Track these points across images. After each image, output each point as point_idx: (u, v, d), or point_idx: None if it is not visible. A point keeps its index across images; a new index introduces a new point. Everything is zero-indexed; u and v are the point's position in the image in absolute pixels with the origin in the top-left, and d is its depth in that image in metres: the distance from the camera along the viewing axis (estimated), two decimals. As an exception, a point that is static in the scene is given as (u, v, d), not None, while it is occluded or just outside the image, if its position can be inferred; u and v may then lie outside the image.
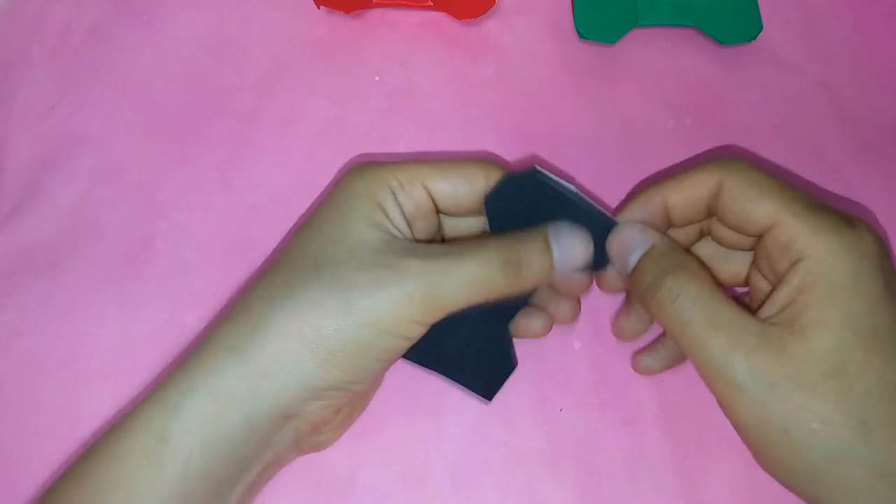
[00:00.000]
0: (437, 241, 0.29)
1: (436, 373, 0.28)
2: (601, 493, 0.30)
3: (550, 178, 0.26)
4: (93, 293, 0.33)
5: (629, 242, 0.25)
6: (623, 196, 0.34)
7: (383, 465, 0.30)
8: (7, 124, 0.37)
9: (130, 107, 0.37)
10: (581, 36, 0.38)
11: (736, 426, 0.23)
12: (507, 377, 0.28)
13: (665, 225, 0.27)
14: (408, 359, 0.27)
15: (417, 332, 0.24)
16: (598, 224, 0.26)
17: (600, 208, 0.26)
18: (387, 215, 0.25)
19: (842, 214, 0.23)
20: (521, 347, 0.32)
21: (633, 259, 0.25)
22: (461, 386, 0.29)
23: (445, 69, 0.38)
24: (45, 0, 0.40)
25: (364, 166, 0.26)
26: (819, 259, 0.22)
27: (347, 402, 0.26)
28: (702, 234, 0.28)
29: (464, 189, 0.26)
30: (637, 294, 0.25)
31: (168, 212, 0.35)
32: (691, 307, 0.23)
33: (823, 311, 0.21)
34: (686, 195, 0.26)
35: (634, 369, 0.30)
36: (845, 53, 0.39)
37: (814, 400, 0.21)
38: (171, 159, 0.36)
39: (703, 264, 0.25)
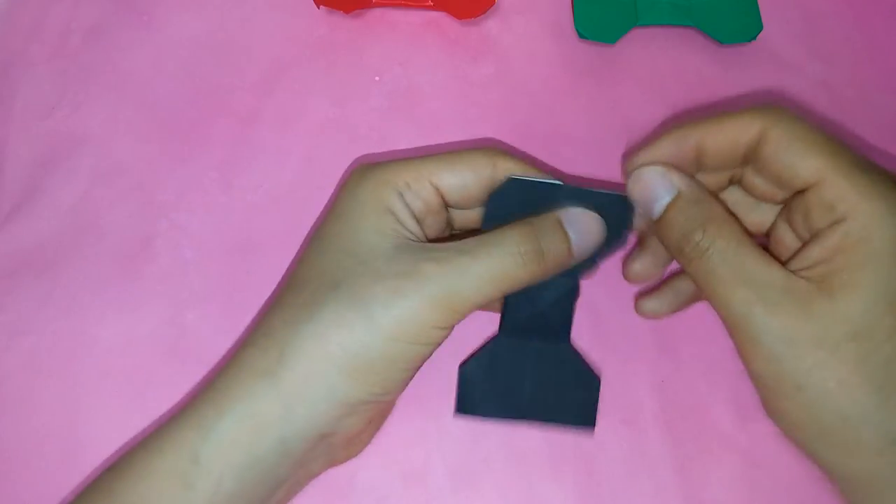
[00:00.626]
0: (448, 236, 0.28)
1: (527, 422, 0.27)
2: (601, 493, 0.30)
3: (549, 180, 0.26)
4: (93, 293, 0.33)
5: (652, 188, 0.25)
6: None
7: (383, 466, 0.30)
8: (7, 124, 0.37)
9: (130, 107, 0.37)
10: (581, 36, 0.38)
11: (751, 375, 0.23)
12: (597, 395, 0.27)
13: (695, 167, 0.26)
14: (493, 417, 0.27)
15: (441, 336, 0.24)
16: (606, 205, 0.26)
17: (602, 190, 0.26)
18: (397, 219, 0.24)
19: (891, 177, 0.22)
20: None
21: (659, 207, 0.24)
22: (559, 425, 0.27)
23: (445, 69, 0.38)
24: (45, 0, 0.40)
25: (367, 170, 0.25)
26: (862, 223, 0.21)
27: (379, 412, 0.26)
28: (731, 182, 0.27)
29: (472, 181, 0.25)
30: (665, 242, 0.25)
31: (168, 212, 0.35)
32: (720, 261, 0.22)
33: (857, 274, 0.21)
34: (724, 139, 0.24)
35: (638, 312, 0.29)
36: (845, 53, 0.39)
37: (833, 360, 0.21)
38: (171, 159, 0.36)
39: (730, 212, 0.25)
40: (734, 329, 0.23)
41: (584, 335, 0.32)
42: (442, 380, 0.32)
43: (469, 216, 0.28)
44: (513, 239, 0.24)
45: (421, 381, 0.31)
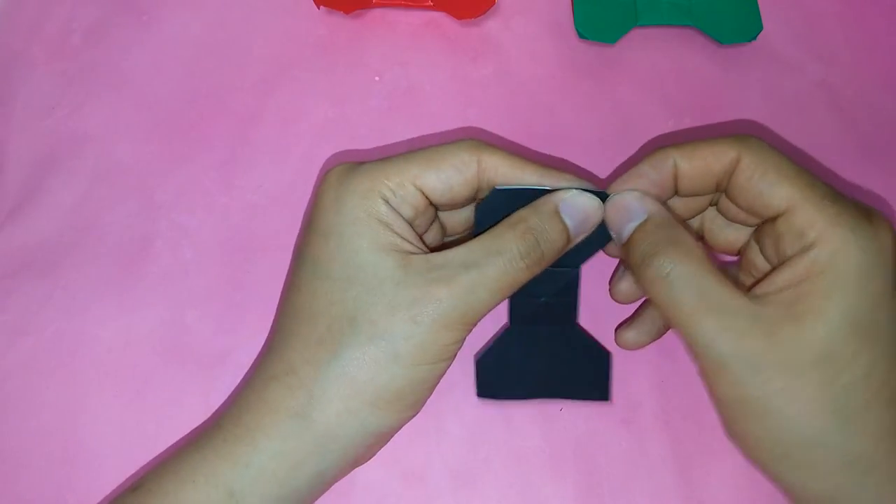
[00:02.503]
0: (438, 236, 0.28)
1: (544, 398, 0.29)
2: (601, 493, 0.30)
3: (536, 187, 0.26)
4: (93, 293, 0.33)
5: (625, 211, 0.25)
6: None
7: (383, 465, 0.30)
8: (7, 124, 0.37)
9: (130, 107, 0.37)
10: (581, 36, 0.38)
11: (714, 400, 0.24)
12: (609, 367, 0.29)
13: (671, 191, 0.26)
14: (507, 398, 0.29)
15: (458, 348, 0.24)
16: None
17: (590, 187, 0.26)
18: (391, 230, 0.24)
19: (861, 207, 0.23)
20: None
21: (629, 230, 0.25)
22: (575, 399, 0.30)
23: (445, 69, 0.38)
24: (45, 0, 0.40)
25: (346, 178, 0.24)
26: (830, 250, 0.22)
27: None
28: (710, 204, 0.27)
29: (457, 181, 0.25)
30: (629, 266, 0.25)
31: (168, 212, 0.35)
32: (682, 286, 0.22)
33: (823, 301, 0.21)
34: (699, 165, 0.25)
35: (619, 345, 0.29)
36: (845, 53, 0.39)
37: (796, 385, 0.21)
38: (171, 159, 0.36)
39: (698, 240, 0.25)
40: (699, 355, 0.23)
41: (584, 335, 0.32)
42: (442, 381, 0.32)
43: (459, 216, 0.28)
44: (511, 244, 0.24)
45: (421, 381, 0.31)
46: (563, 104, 0.37)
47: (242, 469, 0.22)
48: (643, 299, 0.30)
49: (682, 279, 0.23)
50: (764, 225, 0.25)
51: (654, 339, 0.29)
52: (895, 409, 0.22)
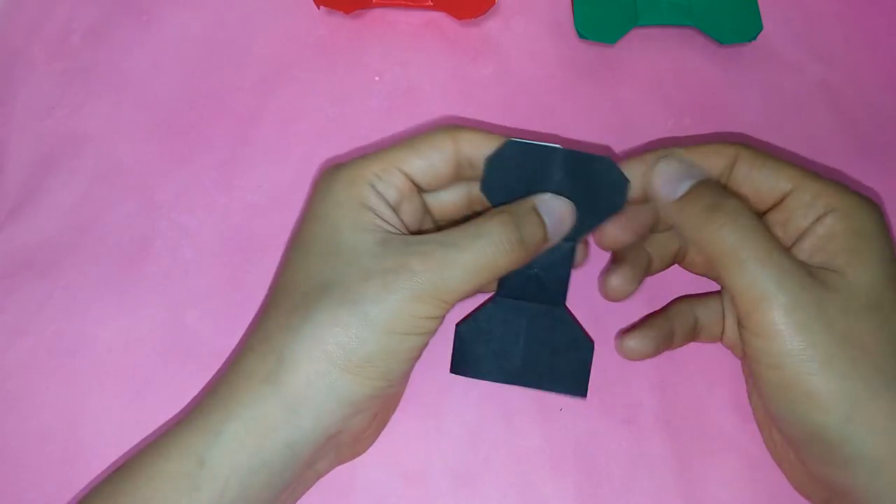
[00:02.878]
0: (429, 225, 0.29)
1: (519, 386, 0.28)
2: (601, 493, 0.30)
3: (547, 144, 0.27)
4: (93, 293, 0.33)
5: (685, 170, 0.26)
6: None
7: (383, 465, 0.30)
8: (7, 124, 0.37)
9: (130, 107, 0.37)
10: (581, 36, 0.38)
11: (769, 359, 0.23)
12: (590, 360, 0.28)
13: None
14: (485, 378, 0.28)
15: (433, 326, 0.24)
16: (602, 171, 0.27)
17: (598, 155, 0.27)
18: (374, 212, 0.25)
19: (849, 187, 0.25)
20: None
21: (686, 185, 0.26)
22: (550, 391, 0.28)
23: (445, 69, 0.38)
24: (45, 0, 0.40)
25: (336, 170, 0.26)
26: (845, 212, 0.24)
27: (383, 406, 0.26)
28: None
29: (438, 160, 0.26)
30: (690, 215, 0.25)
31: (168, 212, 0.35)
32: (750, 233, 0.23)
33: (856, 254, 0.23)
34: (702, 160, 0.26)
35: (621, 354, 0.29)
36: (845, 53, 0.39)
37: (857, 329, 0.22)
38: (171, 159, 0.36)
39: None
40: (760, 304, 0.23)
41: (584, 335, 0.32)
42: (442, 380, 0.32)
43: (447, 203, 0.28)
44: (494, 229, 0.24)
45: (421, 381, 0.31)
46: (563, 104, 0.37)
47: (212, 437, 0.22)
48: (646, 313, 0.30)
49: (752, 226, 0.24)
50: (768, 214, 0.26)
51: (658, 352, 0.29)
52: None
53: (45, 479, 0.30)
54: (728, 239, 0.24)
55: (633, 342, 0.29)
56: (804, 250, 0.24)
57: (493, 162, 0.26)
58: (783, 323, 0.22)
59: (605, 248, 0.29)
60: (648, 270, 0.29)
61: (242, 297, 0.33)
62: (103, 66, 0.38)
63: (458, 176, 0.27)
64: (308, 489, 0.27)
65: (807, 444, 0.23)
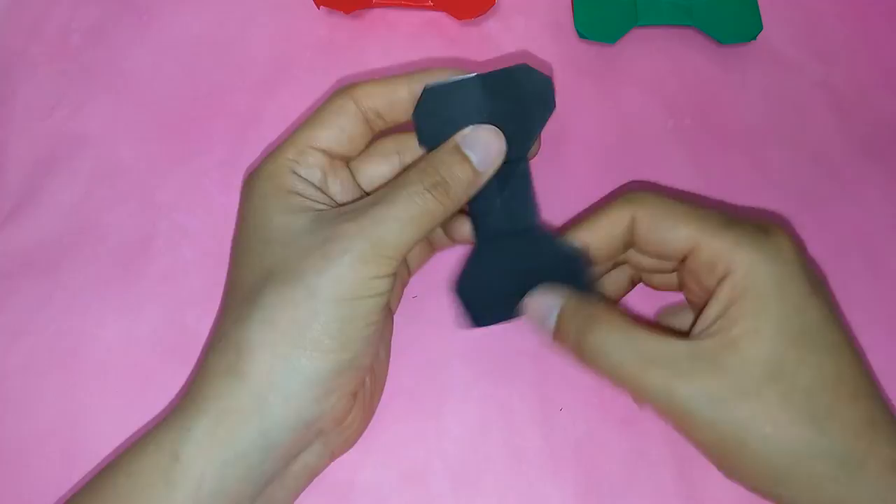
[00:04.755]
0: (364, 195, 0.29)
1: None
2: (601, 493, 0.30)
3: (462, 76, 0.26)
4: (93, 293, 0.33)
5: (540, 307, 0.26)
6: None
7: (383, 465, 0.30)
8: (7, 124, 0.37)
9: (130, 107, 0.37)
10: (581, 36, 0.38)
11: (696, 446, 0.24)
12: (588, 265, 0.27)
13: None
14: (499, 322, 0.28)
15: (384, 285, 0.24)
16: (526, 81, 0.26)
17: (519, 66, 0.26)
18: (302, 195, 0.25)
19: (756, 225, 0.24)
20: (521, 347, 0.32)
21: (551, 321, 0.26)
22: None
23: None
24: (45, 0, 0.40)
25: (255, 171, 0.26)
26: (743, 273, 0.23)
27: (359, 383, 0.26)
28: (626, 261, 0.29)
29: (346, 123, 0.26)
30: (568, 353, 0.25)
31: (168, 212, 0.35)
32: (618, 353, 0.23)
33: (752, 320, 0.22)
34: (602, 235, 0.26)
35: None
36: (845, 53, 0.39)
37: (760, 406, 0.22)
38: (171, 159, 0.36)
39: (613, 305, 0.27)
40: (664, 410, 0.23)
41: (584, 335, 0.32)
42: (442, 380, 0.32)
43: (379, 178, 0.29)
44: (414, 177, 0.24)
45: (421, 381, 0.31)
46: (563, 104, 0.37)
47: (185, 433, 0.22)
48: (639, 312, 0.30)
49: (616, 347, 0.23)
50: (681, 268, 0.26)
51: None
52: (863, 402, 0.22)
53: (45, 479, 0.30)
54: (605, 366, 0.24)
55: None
56: (710, 316, 0.23)
57: (420, 113, 0.26)
58: (689, 424, 0.23)
59: None
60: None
61: (242, 297, 0.33)
62: (103, 66, 0.38)
63: (372, 131, 0.27)
64: (304, 486, 0.26)
65: (757, 494, 0.24)
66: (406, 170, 0.25)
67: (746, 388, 0.22)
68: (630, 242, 0.27)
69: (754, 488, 0.23)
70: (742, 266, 0.23)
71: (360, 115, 0.26)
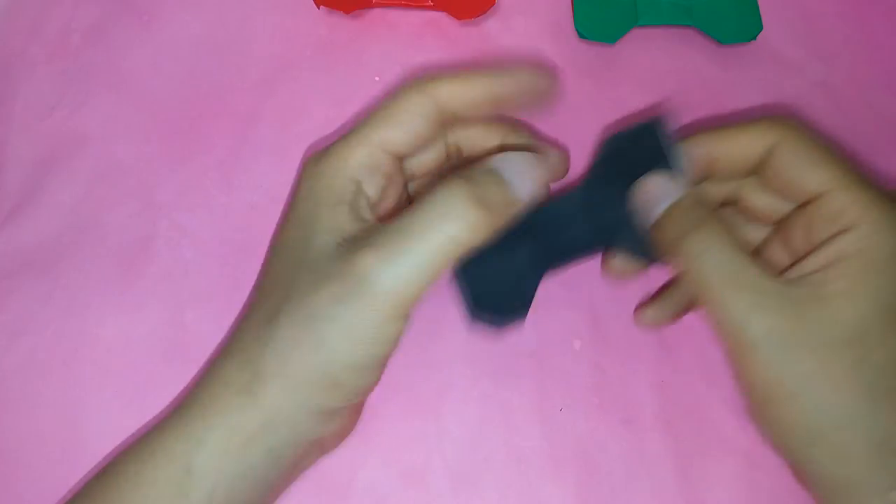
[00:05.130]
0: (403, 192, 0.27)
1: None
2: (601, 493, 0.30)
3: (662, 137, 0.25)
4: (93, 293, 0.33)
5: (657, 191, 0.25)
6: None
7: (383, 465, 0.30)
8: (7, 124, 0.37)
9: (130, 107, 0.37)
10: (581, 36, 0.38)
11: (742, 383, 0.23)
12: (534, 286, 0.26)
13: (703, 176, 0.26)
14: (489, 321, 0.26)
15: (401, 327, 0.23)
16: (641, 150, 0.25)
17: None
18: (350, 208, 0.24)
19: (891, 191, 0.23)
20: (520, 347, 0.32)
21: (660, 210, 0.24)
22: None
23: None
24: (45, 0, 0.40)
25: (319, 161, 0.25)
26: (864, 233, 0.22)
27: (362, 402, 0.26)
28: (724, 204, 0.27)
29: (419, 124, 0.24)
30: (661, 244, 0.25)
31: (168, 212, 0.35)
32: (715, 265, 0.22)
33: (852, 282, 0.22)
34: (737, 151, 0.25)
35: (638, 323, 0.30)
36: (845, 53, 0.39)
37: (826, 365, 0.21)
38: (171, 159, 0.36)
39: (734, 204, 0.26)
40: (729, 333, 0.23)
41: (585, 335, 0.32)
42: (442, 380, 0.32)
43: (424, 163, 0.27)
44: (452, 202, 0.22)
45: (421, 381, 0.31)
46: (563, 104, 0.37)
47: (196, 445, 0.22)
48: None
49: (716, 258, 0.22)
50: (793, 213, 0.25)
51: (675, 319, 0.29)
52: None
53: (45, 479, 0.30)
54: (699, 270, 0.23)
55: (652, 312, 0.29)
56: (807, 267, 0.23)
57: (602, 162, 0.26)
58: (749, 359, 0.22)
59: (613, 279, 0.28)
60: (687, 307, 0.29)
61: (242, 297, 0.33)
62: (103, 66, 0.38)
63: (442, 131, 0.26)
64: (296, 479, 0.27)
65: (777, 448, 0.24)
66: (438, 190, 0.23)
67: (820, 345, 0.21)
68: (758, 169, 0.25)
69: (780, 444, 0.23)
70: (866, 226, 0.22)
71: (437, 117, 0.24)
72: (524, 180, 0.24)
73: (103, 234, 0.34)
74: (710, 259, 0.23)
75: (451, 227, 0.22)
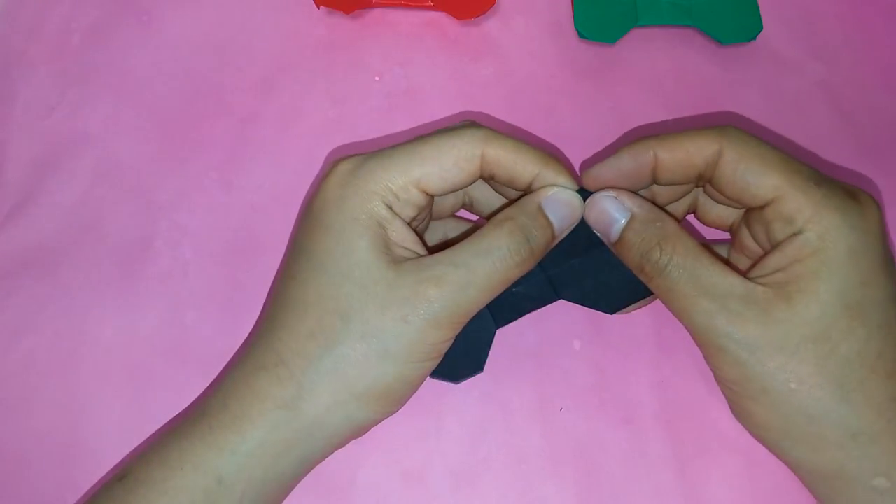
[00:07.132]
0: (442, 243, 0.29)
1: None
2: (601, 493, 0.30)
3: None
4: (93, 293, 0.33)
5: (607, 213, 0.25)
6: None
7: (383, 465, 0.30)
8: (7, 124, 0.37)
9: (130, 107, 0.37)
10: (581, 36, 0.38)
11: (718, 380, 0.24)
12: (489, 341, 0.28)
13: (648, 181, 0.26)
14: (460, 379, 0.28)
15: (447, 347, 0.25)
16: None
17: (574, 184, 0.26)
18: (389, 232, 0.24)
19: (847, 188, 0.23)
20: (520, 347, 0.32)
21: (616, 231, 0.25)
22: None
23: (445, 69, 0.38)
24: (45, 0, 0.40)
25: (352, 175, 0.24)
26: (818, 234, 0.22)
27: None
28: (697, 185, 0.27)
29: (457, 175, 0.25)
30: (628, 265, 0.25)
31: (168, 212, 0.35)
32: (678, 275, 0.23)
33: (813, 281, 0.22)
34: (681, 157, 0.25)
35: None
36: (845, 53, 0.39)
37: (793, 362, 0.22)
38: (171, 159, 0.36)
39: (690, 213, 0.27)
40: (699, 339, 0.24)
41: (585, 335, 0.32)
42: (442, 378, 0.32)
43: (446, 201, 0.29)
44: (503, 242, 0.24)
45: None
46: (563, 104, 0.37)
47: (229, 456, 0.23)
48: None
49: (679, 269, 0.23)
50: (754, 214, 0.25)
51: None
52: (894, 381, 0.22)
53: (46, 479, 0.30)
54: (662, 286, 0.24)
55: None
56: (769, 266, 0.23)
57: None
58: (719, 361, 0.23)
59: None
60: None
61: (242, 297, 0.33)
62: (103, 66, 0.38)
63: (474, 181, 0.26)
64: None
65: (760, 442, 0.25)
66: (487, 228, 0.24)
67: (786, 343, 0.22)
68: (706, 176, 0.25)
69: (759, 437, 0.24)
70: (821, 226, 0.22)
71: (477, 173, 0.25)
72: (565, 221, 0.25)
73: (103, 234, 0.34)
74: (674, 270, 0.23)
75: (505, 264, 0.24)
